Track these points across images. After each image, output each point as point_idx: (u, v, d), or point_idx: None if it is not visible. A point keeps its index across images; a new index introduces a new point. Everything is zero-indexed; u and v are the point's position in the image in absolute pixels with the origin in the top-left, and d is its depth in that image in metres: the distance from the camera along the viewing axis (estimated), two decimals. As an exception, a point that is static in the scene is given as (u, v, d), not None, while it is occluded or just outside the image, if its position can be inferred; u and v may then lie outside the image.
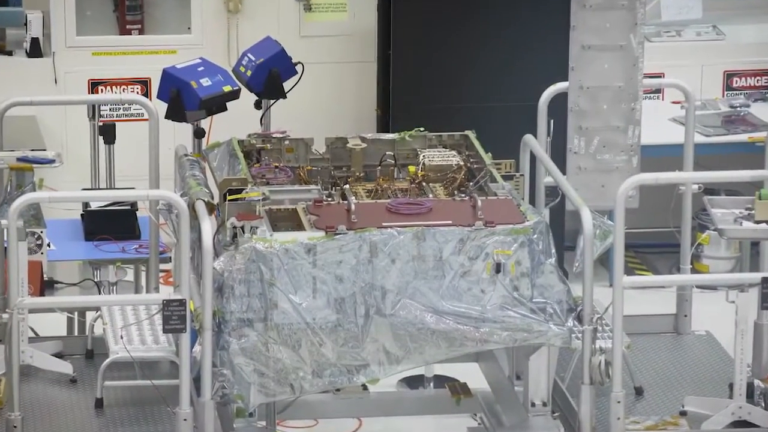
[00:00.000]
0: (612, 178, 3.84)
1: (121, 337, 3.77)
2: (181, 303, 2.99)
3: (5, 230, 3.23)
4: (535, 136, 4.25)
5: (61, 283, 5.25)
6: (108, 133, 5.73)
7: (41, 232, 4.42)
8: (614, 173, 3.87)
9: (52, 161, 4.81)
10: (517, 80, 6.68)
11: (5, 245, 3.35)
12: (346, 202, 3.44)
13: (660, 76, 7.01)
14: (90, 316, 4.55)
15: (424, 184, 3.81)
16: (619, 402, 3.26)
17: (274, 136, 4.26)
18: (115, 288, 5.17)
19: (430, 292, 3.19)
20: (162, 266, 4.90)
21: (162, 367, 4.04)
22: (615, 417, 3.29)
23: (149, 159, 4.45)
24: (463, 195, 3.62)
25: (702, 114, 6.87)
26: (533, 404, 3.55)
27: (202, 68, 4.46)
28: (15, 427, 3.14)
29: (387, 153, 4.07)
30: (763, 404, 3.67)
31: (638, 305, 4.75)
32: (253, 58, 4.72)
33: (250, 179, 3.55)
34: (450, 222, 3.22)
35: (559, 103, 4.23)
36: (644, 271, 7.48)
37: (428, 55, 6.95)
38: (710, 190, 5.11)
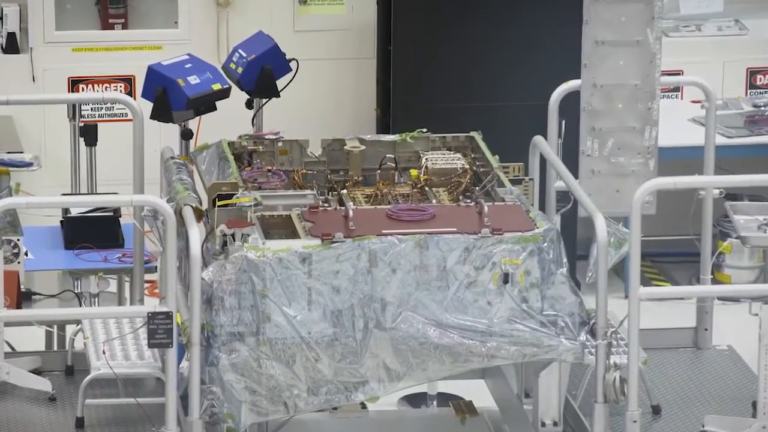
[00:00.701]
0: (627, 182, 3.84)
1: (104, 352, 3.75)
2: (168, 316, 2.99)
3: (-21, 238, 3.23)
4: (546, 138, 4.26)
5: (40, 294, 5.25)
6: (89, 134, 5.74)
7: (18, 240, 4.42)
8: (630, 177, 3.87)
9: (29, 164, 4.83)
10: (526, 78, 6.69)
11: (-21, 254, 3.35)
12: (343, 208, 3.44)
13: (679, 74, 7.04)
14: (70, 329, 4.55)
15: (426, 188, 3.81)
16: (635, 421, 3.25)
17: (266, 137, 4.26)
18: (96, 300, 5.18)
19: (433, 304, 3.18)
20: (147, 276, 4.90)
21: (147, 385, 4.03)
22: (630, 437, 3.33)
23: (133, 162, 4.41)
24: (468, 200, 3.63)
25: (723, 114, 6.83)
26: (543, 424, 3.54)
27: (189, 65, 4.47)
28: (-10, 448, 3.14)
29: (387, 156, 4.07)
30: (788, 424, 3.67)
31: (655, 318, 4.75)
32: (245, 55, 4.74)
33: (241, 183, 3.55)
34: (454, 229, 3.21)
35: (571, 103, 4.24)
36: (662, 281, 7.48)
37: (431, 51, 6.97)
38: (732, 195, 5.10)
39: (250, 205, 3.17)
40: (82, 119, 5.90)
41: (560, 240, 3.41)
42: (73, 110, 5.71)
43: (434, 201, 3.66)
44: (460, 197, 3.75)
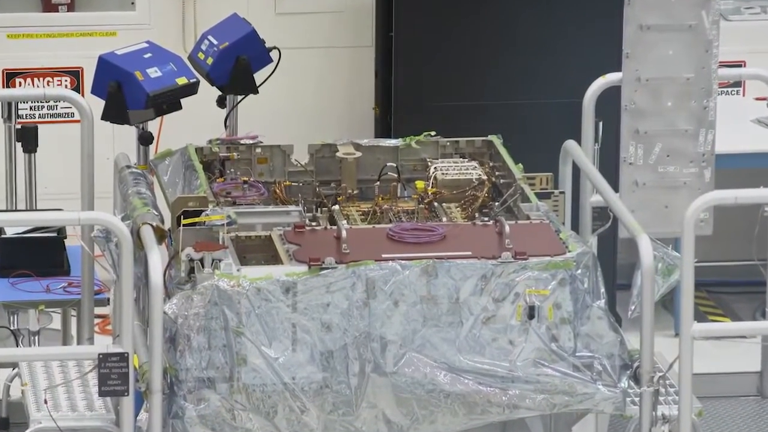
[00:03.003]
0: (678, 196, 3.85)
1: (45, 402, 3.74)
2: (123, 358, 3.00)
3: None
4: (579, 143, 4.27)
5: (-35, 332, 5.25)
6: (27, 138, 5.75)
7: (-59, 265, 4.43)
8: (681, 190, 3.89)
9: (-45, 174, 4.82)
10: (555, 71, 6.66)
11: None
12: (335, 227, 3.44)
13: (740, 65, 7.05)
14: (5, 374, 4.56)
15: (435, 204, 3.82)
16: (688, 485, 3.26)
17: (242, 142, 4.29)
18: (37, 338, 5.16)
19: (443, 344, 3.17)
20: (97, 310, 4.90)
21: (97, 440, 4.03)
22: (682, 504, 3.31)
23: (81, 172, 4.43)
24: (486, 218, 3.64)
25: (794, 114, 6.86)
26: (577, 488, 3.55)
27: (149, 55, 4.49)
28: None
29: (388, 164, 4.09)
30: None
31: (712, 361, 4.75)
32: (216, 42, 4.77)
33: (212, 198, 3.57)
34: (469, 253, 3.22)
35: (610, 100, 4.26)
36: (720, 316, 7.46)
37: (440, 39, 6.95)
38: (806, 212, 5.11)
39: (223, 224, 3.18)
40: (19, 120, 5.91)
41: (597, 266, 3.41)
42: (8, 109, 5.72)
43: (445, 219, 3.67)
44: (476, 214, 3.76)
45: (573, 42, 6.69)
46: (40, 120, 6.87)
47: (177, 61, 4.48)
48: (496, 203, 3.84)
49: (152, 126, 4.58)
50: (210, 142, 4.28)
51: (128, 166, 4.18)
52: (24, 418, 3.95)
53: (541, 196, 3.85)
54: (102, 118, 4.33)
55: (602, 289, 3.38)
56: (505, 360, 3.20)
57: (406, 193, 4.03)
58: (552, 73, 6.71)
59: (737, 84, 7.73)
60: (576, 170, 4.23)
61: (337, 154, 4.09)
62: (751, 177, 4.93)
